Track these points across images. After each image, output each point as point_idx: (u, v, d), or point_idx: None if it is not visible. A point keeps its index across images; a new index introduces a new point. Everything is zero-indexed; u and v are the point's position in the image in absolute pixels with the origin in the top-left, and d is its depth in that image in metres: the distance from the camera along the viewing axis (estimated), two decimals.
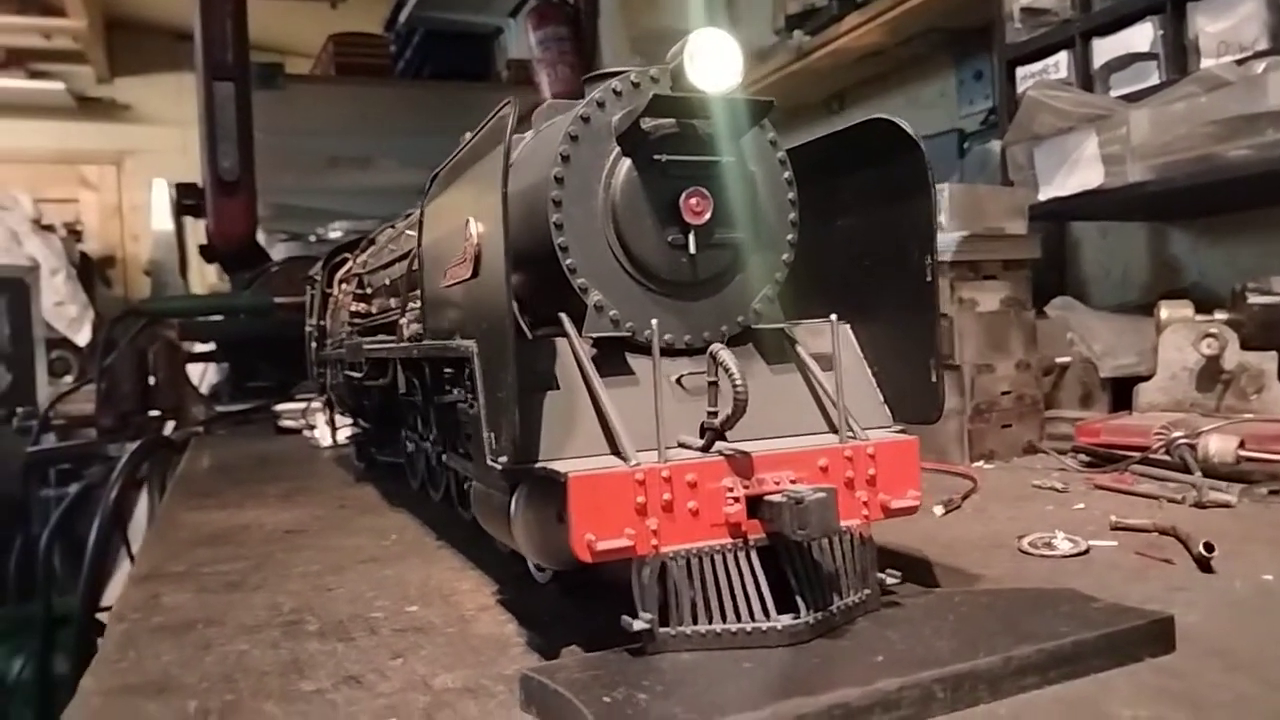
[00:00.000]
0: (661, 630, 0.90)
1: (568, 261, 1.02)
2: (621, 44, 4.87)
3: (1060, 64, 2.38)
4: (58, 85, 6.95)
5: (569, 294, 1.04)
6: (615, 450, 0.97)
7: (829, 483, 0.98)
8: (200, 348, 3.91)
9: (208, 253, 4.42)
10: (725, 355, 0.95)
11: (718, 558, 0.93)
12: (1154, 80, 2.23)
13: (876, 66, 3.48)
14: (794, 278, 1.24)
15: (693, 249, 1.04)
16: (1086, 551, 1.33)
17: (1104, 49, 2.28)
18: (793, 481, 0.96)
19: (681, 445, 0.99)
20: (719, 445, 0.97)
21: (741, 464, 0.95)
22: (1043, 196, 2.41)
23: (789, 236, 1.13)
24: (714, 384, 0.95)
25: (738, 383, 0.92)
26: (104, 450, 3.29)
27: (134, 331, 3.64)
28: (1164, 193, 2.19)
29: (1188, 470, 1.68)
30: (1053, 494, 1.73)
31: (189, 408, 3.56)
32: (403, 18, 5.81)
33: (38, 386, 5.90)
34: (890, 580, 1.02)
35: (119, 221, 7.54)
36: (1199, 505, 1.54)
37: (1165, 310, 2.17)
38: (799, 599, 0.93)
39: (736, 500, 0.94)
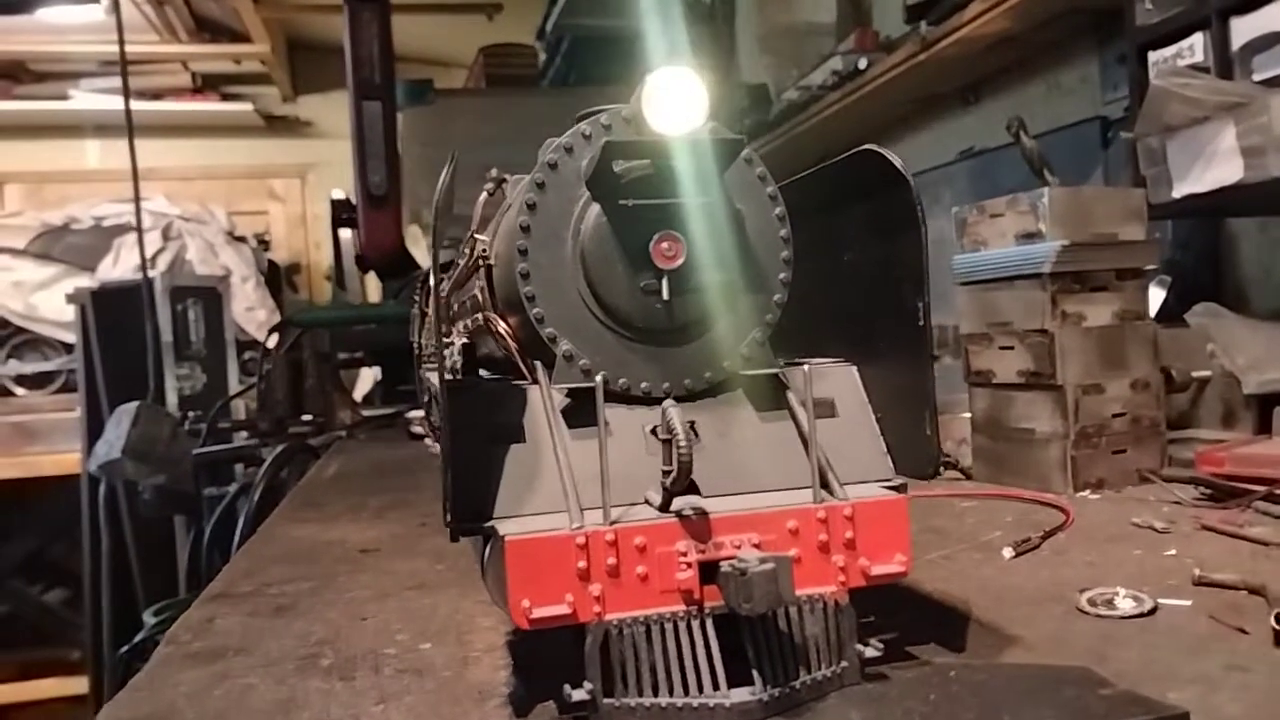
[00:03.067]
0: (605, 701, 0.87)
1: (534, 311, 1.01)
2: (753, 42, 4.79)
3: (1195, 46, 2.14)
4: (247, 106, 7.54)
5: (544, 342, 1.02)
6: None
7: (800, 546, 0.93)
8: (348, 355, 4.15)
9: (361, 263, 4.67)
10: (672, 412, 0.91)
11: (668, 626, 0.89)
12: None
13: (1012, 53, 3.25)
14: (804, 313, 1.18)
15: (666, 295, 1.00)
16: (1152, 612, 1.19)
17: (1244, 29, 2.03)
18: (756, 545, 0.91)
19: (648, 502, 0.96)
20: (683, 503, 0.93)
21: (697, 526, 0.91)
22: (1177, 194, 2.18)
23: (781, 276, 1.07)
24: (667, 442, 0.91)
25: (681, 443, 0.88)
26: (259, 453, 3.55)
27: (288, 340, 3.89)
28: None
29: None
30: (1149, 535, 1.57)
31: (336, 413, 3.78)
32: (549, 26, 5.92)
33: (229, 387, 6.41)
34: (871, 653, 0.94)
35: (303, 230, 8.09)
36: None
37: None
38: (755, 673, 0.88)
39: (689, 566, 0.90)
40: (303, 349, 3.93)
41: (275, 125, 7.92)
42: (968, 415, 2.15)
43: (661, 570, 0.90)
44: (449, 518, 0.90)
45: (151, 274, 6.02)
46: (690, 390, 1.04)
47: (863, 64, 3.60)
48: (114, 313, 5.71)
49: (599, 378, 0.93)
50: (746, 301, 1.05)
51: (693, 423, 1.02)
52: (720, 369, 1.05)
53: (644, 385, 1.03)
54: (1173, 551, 1.45)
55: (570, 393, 1.01)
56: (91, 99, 7.03)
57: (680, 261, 0.99)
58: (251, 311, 7.24)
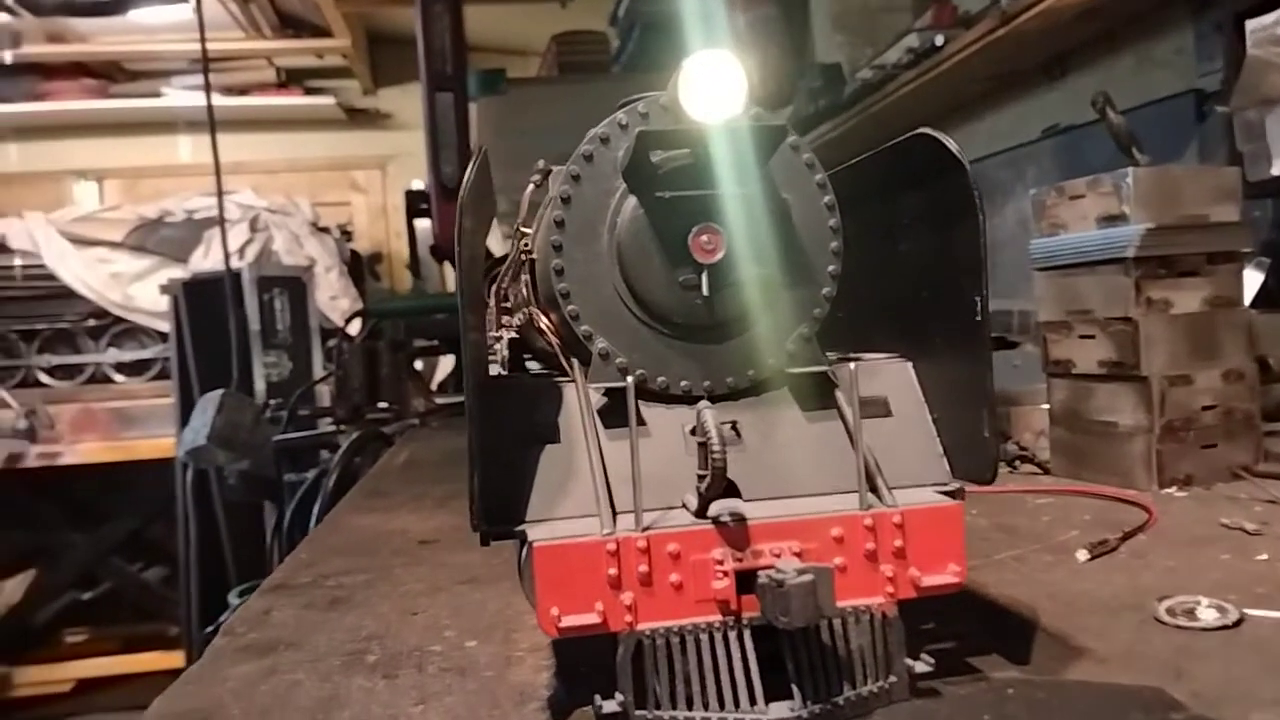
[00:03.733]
0: (637, 713, 0.84)
1: (569, 308, 0.98)
2: (827, 21, 4.67)
3: None
4: (329, 100, 7.68)
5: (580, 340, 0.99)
6: (610, 510, 0.91)
7: (845, 554, 0.88)
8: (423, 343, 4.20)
9: (436, 252, 4.72)
10: (707, 414, 0.87)
11: (703, 637, 0.86)
12: None
13: (1099, 24, 3.09)
14: (857, 305, 1.13)
15: (706, 290, 0.95)
16: (1237, 624, 1.11)
17: None
18: (797, 554, 0.87)
19: (685, 506, 0.92)
20: (721, 508, 0.89)
21: (735, 533, 0.87)
22: (1277, 170, 2.04)
23: (830, 268, 1.01)
24: (703, 445, 0.87)
25: (715, 447, 0.84)
26: (336, 440, 3.61)
27: (366, 329, 3.95)
28: None
29: None
30: (1239, 537, 1.47)
31: (410, 400, 3.83)
32: (621, 12, 5.88)
33: (314, 374, 6.56)
34: (921, 667, 0.89)
35: (384, 221, 8.23)
36: None
37: None
38: (795, 687, 0.84)
39: (726, 575, 0.86)
40: (380, 338, 3.99)
41: (356, 118, 8.06)
42: (1046, 407, 2.05)
43: (697, 578, 0.86)
44: (474, 521, 0.87)
45: (240, 265, 6.20)
46: (732, 389, 1.00)
47: (940, 40, 3.47)
48: (205, 303, 5.89)
49: (630, 380, 0.89)
50: (792, 295, 1.00)
51: (734, 423, 0.99)
52: (764, 366, 1.00)
53: (684, 384, 0.99)
54: (1264, 556, 1.35)
55: (608, 392, 0.98)
56: (183, 96, 7.25)
57: (720, 255, 0.95)
58: (335, 300, 7.40)
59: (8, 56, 6.91)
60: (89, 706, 5.66)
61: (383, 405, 3.91)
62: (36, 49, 6.90)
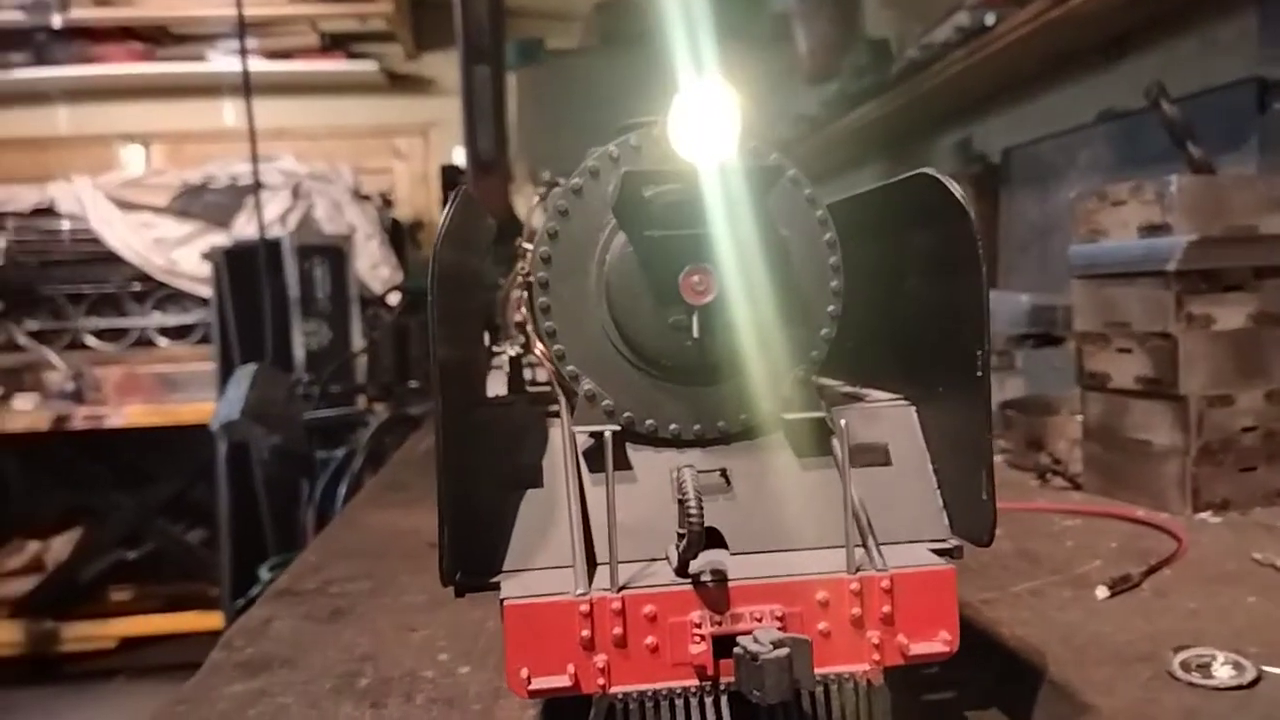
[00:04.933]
0: None
1: (556, 347, 0.94)
2: None
3: None
4: (371, 65, 7.66)
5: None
6: (592, 560, 0.88)
7: (829, 620, 0.84)
8: None
9: None
10: (685, 473, 0.83)
11: (678, 701, 0.83)
12: None
13: (1159, 3, 2.94)
14: (868, 336, 1.08)
15: (696, 332, 0.91)
16: (1254, 683, 1.05)
17: None
18: (779, 619, 0.83)
19: (668, 559, 0.88)
20: (705, 563, 0.85)
21: (714, 595, 0.83)
22: None
23: (830, 308, 0.96)
24: (682, 503, 0.83)
25: (692, 510, 0.80)
26: (366, 419, 3.63)
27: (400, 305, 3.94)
28: None
29: None
30: (1269, 576, 1.40)
31: None
32: None
33: (353, 343, 6.60)
34: None
35: (426, 188, 8.22)
36: None
37: None
38: None
39: (703, 639, 0.82)
40: (415, 313, 3.98)
41: (399, 83, 8.03)
42: (1080, 417, 1.98)
43: (674, 641, 0.83)
44: (442, 576, 0.85)
45: (281, 233, 6.24)
46: (724, 433, 0.96)
47: (990, 20, 3.33)
48: (246, 270, 5.94)
49: (608, 435, 0.85)
50: (788, 337, 0.95)
51: (724, 470, 0.95)
52: (758, 411, 0.96)
53: (673, 427, 0.95)
54: None
55: (595, 434, 0.94)
56: (227, 60, 7.27)
57: (712, 296, 0.90)
58: (375, 269, 7.42)
59: (57, 20, 6.98)
60: (133, 663, 5.81)
61: (413, 384, 3.91)
62: (84, 13, 6.95)
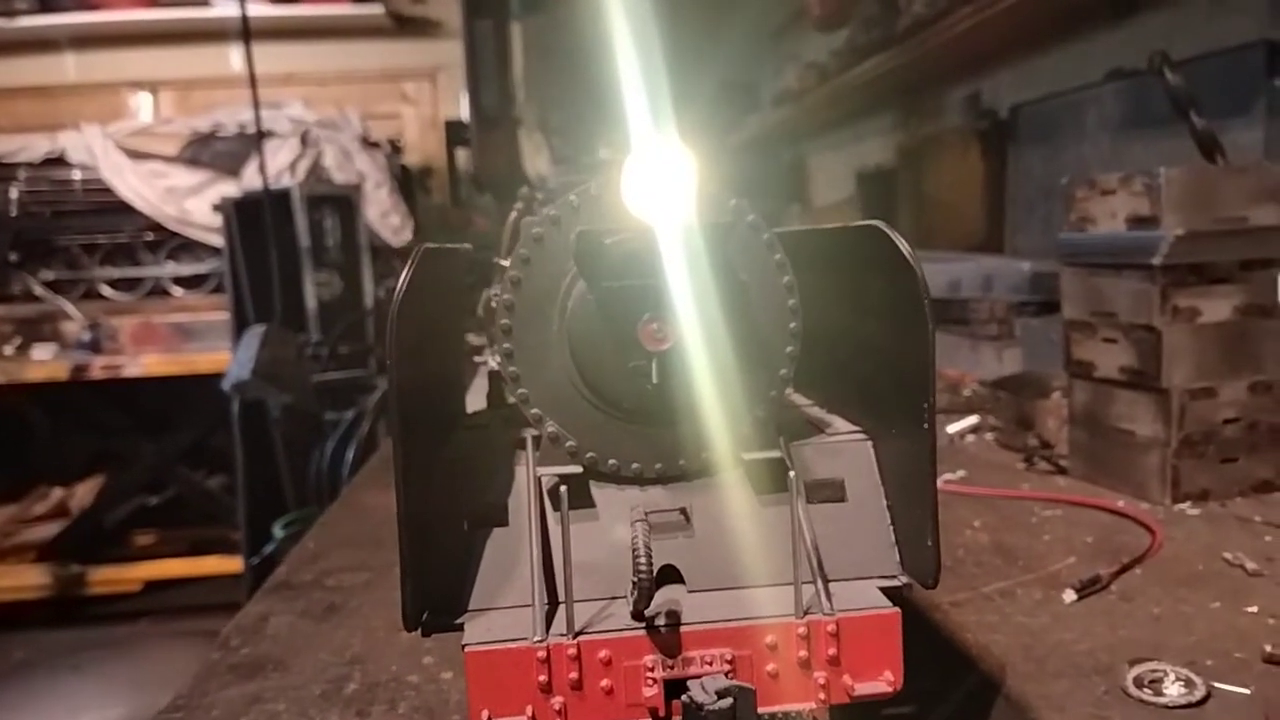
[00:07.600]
0: None
1: (520, 391, 0.97)
2: None
3: None
4: (377, 8, 7.55)
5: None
6: (553, 600, 0.92)
7: (778, 662, 0.88)
8: None
9: (477, 183, 4.68)
10: (638, 528, 0.86)
11: None
12: None
13: None
14: (831, 376, 1.10)
15: (655, 378, 0.93)
16: (1203, 701, 1.09)
17: None
18: (729, 662, 0.87)
19: (629, 597, 0.92)
20: (661, 603, 0.89)
21: (667, 640, 0.87)
22: None
23: (788, 349, 0.98)
24: (634, 556, 0.86)
25: (641, 565, 0.83)
26: (373, 382, 3.68)
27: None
28: None
29: None
30: (1236, 577, 1.43)
31: None
32: None
33: (364, 293, 6.62)
34: None
35: (435, 133, 8.17)
36: None
37: None
38: None
39: (655, 683, 0.87)
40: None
41: (406, 26, 7.93)
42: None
43: (628, 684, 0.87)
44: (405, 621, 0.89)
45: (290, 182, 6.24)
46: (685, 471, 0.99)
47: None
48: (257, 220, 5.95)
49: (562, 489, 0.89)
50: (747, 378, 0.98)
51: (684, 509, 0.98)
52: (717, 449, 0.99)
53: (635, 466, 0.98)
54: (1254, 609, 1.31)
55: (559, 476, 0.97)
56: (232, 5, 7.18)
57: (669, 344, 0.92)
58: (386, 217, 7.41)
59: None
60: (157, 604, 6.00)
61: None
62: None
